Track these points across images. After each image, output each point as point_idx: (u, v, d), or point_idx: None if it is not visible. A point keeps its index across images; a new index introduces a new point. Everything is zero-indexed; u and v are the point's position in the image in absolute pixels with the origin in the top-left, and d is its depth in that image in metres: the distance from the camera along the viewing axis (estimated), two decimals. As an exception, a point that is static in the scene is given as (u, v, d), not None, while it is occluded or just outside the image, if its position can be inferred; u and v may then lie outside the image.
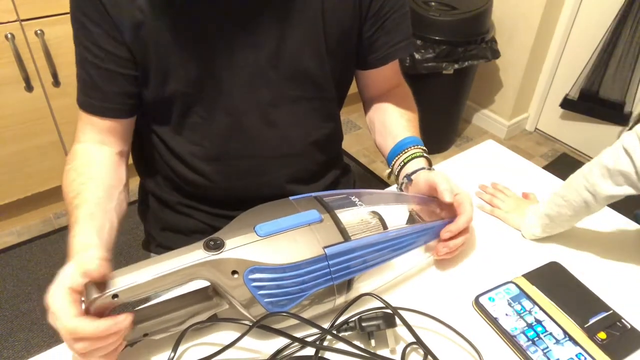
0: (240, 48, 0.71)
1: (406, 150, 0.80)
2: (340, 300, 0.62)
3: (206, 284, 0.59)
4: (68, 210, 0.66)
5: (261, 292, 0.56)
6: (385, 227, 0.65)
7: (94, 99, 0.72)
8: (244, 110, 0.75)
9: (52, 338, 1.44)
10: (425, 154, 0.80)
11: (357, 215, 0.64)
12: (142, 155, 0.87)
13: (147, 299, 0.61)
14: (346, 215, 0.63)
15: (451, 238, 0.69)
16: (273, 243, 0.57)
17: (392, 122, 0.84)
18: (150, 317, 0.57)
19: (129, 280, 0.51)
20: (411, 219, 0.76)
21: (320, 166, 0.87)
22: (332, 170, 0.90)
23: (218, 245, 0.55)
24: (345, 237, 0.60)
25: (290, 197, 0.66)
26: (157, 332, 0.57)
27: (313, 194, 0.67)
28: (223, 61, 0.71)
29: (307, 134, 0.81)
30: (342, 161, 0.96)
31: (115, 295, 0.50)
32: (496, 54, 2.02)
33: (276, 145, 0.79)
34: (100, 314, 0.52)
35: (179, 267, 0.53)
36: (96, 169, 0.72)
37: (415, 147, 0.80)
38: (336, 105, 0.86)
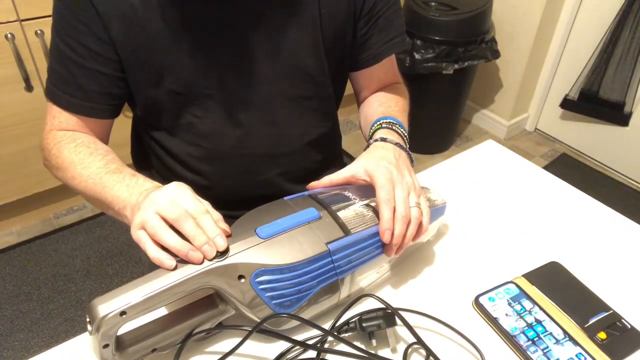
0: (238, 47, 0.70)
1: (370, 130, 0.77)
2: (344, 294, 0.63)
3: (210, 292, 0.59)
4: (100, 165, 0.66)
5: (268, 294, 0.56)
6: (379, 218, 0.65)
7: (75, 97, 0.70)
8: (242, 109, 0.74)
9: (52, 338, 1.44)
10: (384, 125, 0.76)
11: (352, 210, 0.64)
12: (142, 156, 0.87)
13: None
14: (342, 211, 0.63)
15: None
16: (276, 244, 0.57)
17: (372, 113, 0.83)
18: (157, 332, 0.56)
19: (138, 294, 0.50)
20: None
21: (319, 165, 0.87)
22: (330, 169, 0.90)
23: (222, 251, 0.54)
24: (345, 231, 0.61)
25: (285, 197, 0.66)
26: (165, 346, 0.56)
27: (307, 193, 0.68)
28: (220, 60, 0.70)
29: (305, 133, 0.81)
30: (342, 160, 0.96)
31: (123, 312, 0.49)
32: (496, 54, 2.02)
33: (274, 144, 0.79)
34: None
35: (185, 277, 0.52)
36: (102, 144, 0.72)
37: (378, 122, 0.76)
38: (334, 104, 0.86)
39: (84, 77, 0.69)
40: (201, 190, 0.74)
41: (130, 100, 0.76)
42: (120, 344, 0.54)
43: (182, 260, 0.53)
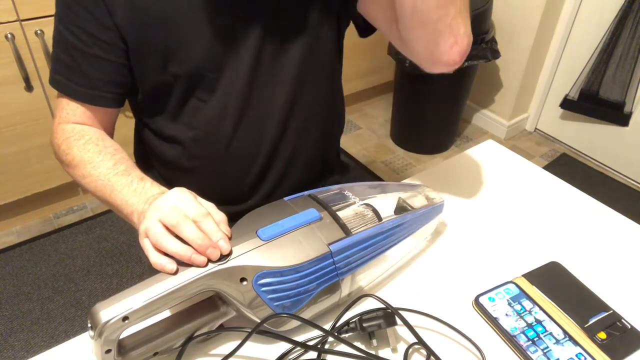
0: (245, 28, 0.69)
1: None
2: (345, 293, 0.63)
3: (211, 294, 0.59)
4: (109, 165, 0.66)
5: (270, 296, 0.56)
6: (379, 218, 0.65)
7: (80, 85, 0.70)
8: (250, 90, 0.73)
9: (52, 338, 1.44)
10: None
11: (352, 210, 0.64)
12: (144, 157, 0.86)
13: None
14: (342, 211, 0.63)
15: None
16: (278, 246, 0.57)
17: None
18: (159, 335, 0.56)
19: (140, 298, 0.50)
20: (400, 207, 0.76)
21: (321, 148, 0.86)
22: (336, 158, 0.89)
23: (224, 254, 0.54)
24: (347, 232, 0.61)
25: (285, 198, 0.66)
26: (167, 349, 0.56)
27: (306, 193, 0.67)
28: (232, 40, 0.69)
29: (312, 114, 0.80)
30: (339, 157, 0.96)
31: (125, 318, 0.49)
32: (496, 54, 2.01)
33: (279, 124, 0.77)
34: None
35: (187, 280, 0.52)
36: (110, 141, 0.72)
37: None
38: (338, 77, 0.84)
39: (88, 64, 0.68)
40: (202, 179, 0.72)
41: (133, 91, 0.75)
42: (122, 347, 0.54)
43: (184, 265, 0.53)
